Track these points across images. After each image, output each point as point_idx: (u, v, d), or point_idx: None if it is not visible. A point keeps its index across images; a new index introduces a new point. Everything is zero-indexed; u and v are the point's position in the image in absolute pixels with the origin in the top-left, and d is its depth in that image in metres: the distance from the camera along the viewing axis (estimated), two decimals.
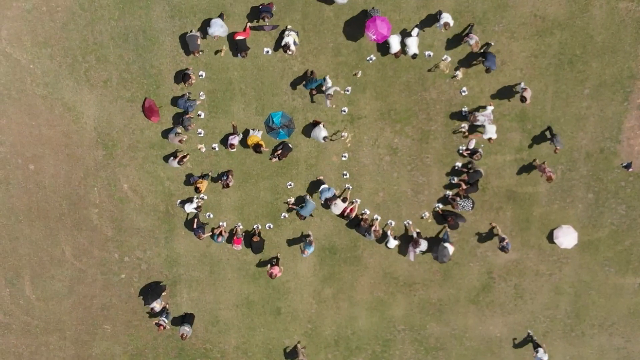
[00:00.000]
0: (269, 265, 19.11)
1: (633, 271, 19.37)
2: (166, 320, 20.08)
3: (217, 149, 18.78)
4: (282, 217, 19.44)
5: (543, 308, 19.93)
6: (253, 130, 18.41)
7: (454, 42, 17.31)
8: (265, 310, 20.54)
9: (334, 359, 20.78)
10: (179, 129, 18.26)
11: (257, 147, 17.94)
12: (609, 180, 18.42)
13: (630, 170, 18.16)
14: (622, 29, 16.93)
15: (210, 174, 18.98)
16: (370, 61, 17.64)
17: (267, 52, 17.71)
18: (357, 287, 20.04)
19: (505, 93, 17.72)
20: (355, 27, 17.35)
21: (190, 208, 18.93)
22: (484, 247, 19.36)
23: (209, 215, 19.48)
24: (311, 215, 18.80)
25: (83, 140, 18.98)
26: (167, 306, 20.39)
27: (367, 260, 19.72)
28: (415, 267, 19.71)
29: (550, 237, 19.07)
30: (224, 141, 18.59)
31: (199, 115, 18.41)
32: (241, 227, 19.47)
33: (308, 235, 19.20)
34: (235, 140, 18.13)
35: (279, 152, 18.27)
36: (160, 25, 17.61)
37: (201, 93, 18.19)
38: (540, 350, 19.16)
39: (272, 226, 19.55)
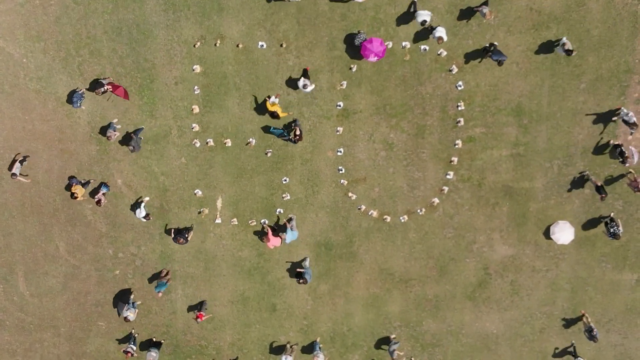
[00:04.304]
0: (267, 232, 18.81)
1: (630, 267, 19.27)
2: (134, 347, 20.13)
3: (211, 143, 18.67)
4: (277, 213, 19.32)
5: (540, 304, 19.82)
6: (272, 97, 17.92)
7: (451, 37, 17.19)
8: (261, 307, 20.43)
9: (329, 355, 20.65)
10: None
11: (273, 114, 17.61)
12: (606, 175, 18.31)
13: (626, 165, 18.02)
14: (618, 23, 16.83)
15: (92, 181, 19.11)
16: None
17: (262, 46, 17.60)
18: (353, 283, 19.93)
19: (503, 88, 17.64)
20: (351, 22, 17.27)
21: (140, 215, 18.96)
22: (480, 243, 19.27)
23: (203, 211, 19.37)
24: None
25: (77, 135, 18.87)
26: (134, 332, 20.61)
27: (362, 257, 19.62)
28: (412, 263, 19.61)
29: (546, 233, 18.97)
30: (218, 135, 18.57)
31: (192, 109, 18.31)
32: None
33: (290, 220, 19.00)
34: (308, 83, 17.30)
35: (298, 136, 17.93)
36: (154, 19, 17.50)
37: (195, 87, 18.08)
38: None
39: (267, 222, 19.43)
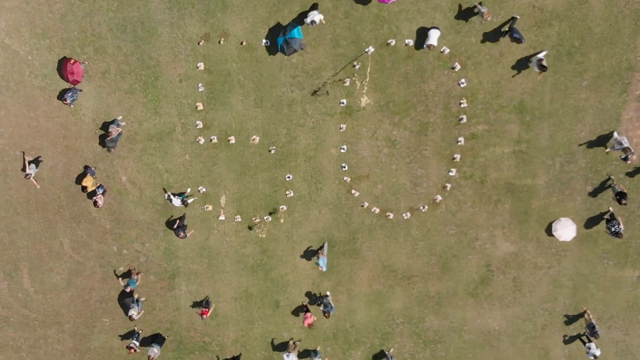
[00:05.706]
0: (305, 313, 19.61)
1: (631, 264, 19.35)
2: (137, 343, 20.29)
3: (215, 140, 18.77)
4: (280, 210, 19.42)
5: (542, 301, 19.91)
6: None
7: (454, 35, 17.29)
8: (264, 304, 20.53)
9: (332, 352, 20.76)
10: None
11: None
12: (608, 172, 18.39)
13: (628, 162, 18.11)
14: (620, 21, 16.90)
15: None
16: (369, 52, 17.61)
17: (266, 43, 17.69)
18: (356, 280, 20.02)
19: (505, 85, 17.72)
20: (355, 19, 17.35)
21: (178, 203, 19.01)
22: (482, 240, 19.35)
23: (206, 208, 19.47)
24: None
25: (81, 132, 18.98)
26: (137, 329, 20.75)
27: (365, 253, 19.71)
28: (414, 260, 19.70)
29: (548, 230, 19.06)
30: (222, 132, 18.66)
31: (196, 107, 18.42)
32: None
33: (322, 247, 19.32)
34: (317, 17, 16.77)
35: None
36: (159, 17, 17.60)
37: (199, 85, 18.19)
38: (592, 345, 19.04)
39: (270, 219, 19.53)
